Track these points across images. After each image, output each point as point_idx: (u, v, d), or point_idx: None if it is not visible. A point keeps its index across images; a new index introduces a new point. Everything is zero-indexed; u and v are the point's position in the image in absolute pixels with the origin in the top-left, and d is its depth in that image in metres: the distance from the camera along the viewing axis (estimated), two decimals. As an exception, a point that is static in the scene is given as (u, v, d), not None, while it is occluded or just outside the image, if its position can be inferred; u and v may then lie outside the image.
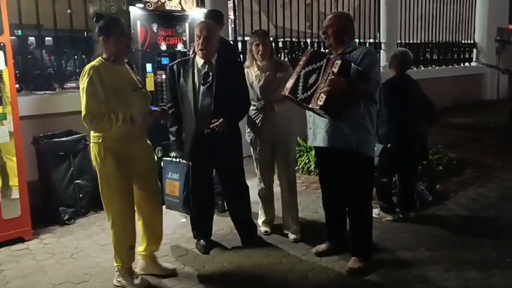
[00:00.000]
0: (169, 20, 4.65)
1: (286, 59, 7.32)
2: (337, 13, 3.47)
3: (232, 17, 7.09)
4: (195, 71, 3.43)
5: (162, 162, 3.57)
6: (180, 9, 4.64)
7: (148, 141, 3.18)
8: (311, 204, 4.62)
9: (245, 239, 3.74)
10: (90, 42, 4.93)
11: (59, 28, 4.94)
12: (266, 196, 3.97)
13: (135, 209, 3.15)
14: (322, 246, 3.53)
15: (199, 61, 3.43)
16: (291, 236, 3.81)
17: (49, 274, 3.31)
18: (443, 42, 11.11)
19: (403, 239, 3.80)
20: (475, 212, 4.41)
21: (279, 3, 7.69)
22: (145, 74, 4.42)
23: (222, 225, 4.03)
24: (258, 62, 3.71)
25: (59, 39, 4.90)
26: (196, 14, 4.72)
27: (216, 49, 3.45)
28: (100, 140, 2.91)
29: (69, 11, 4.99)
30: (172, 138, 3.57)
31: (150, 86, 4.35)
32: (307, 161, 5.67)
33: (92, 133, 2.96)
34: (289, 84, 3.08)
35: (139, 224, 3.20)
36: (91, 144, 2.99)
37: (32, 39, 4.75)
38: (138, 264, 3.27)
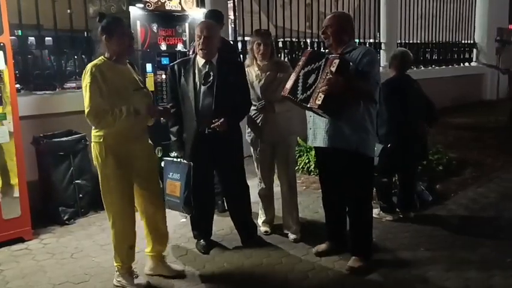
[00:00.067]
0: (169, 20, 4.65)
1: (286, 59, 7.32)
2: (336, 13, 3.47)
3: (232, 17, 7.09)
4: (196, 71, 3.43)
5: (162, 162, 3.57)
6: (180, 9, 4.65)
7: (150, 141, 3.18)
8: (311, 204, 4.62)
9: (245, 239, 3.74)
10: (90, 42, 4.94)
11: (59, 28, 4.93)
12: (266, 196, 3.98)
13: (138, 209, 3.15)
14: (322, 246, 3.54)
15: (200, 61, 3.44)
16: (291, 236, 3.81)
17: (49, 274, 3.31)
18: (443, 42, 11.11)
19: (403, 239, 3.80)
20: (475, 212, 4.41)
21: (279, 3, 7.69)
22: (145, 74, 4.42)
23: (222, 225, 4.04)
24: (259, 62, 3.72)
25: (59, 39, 4.90)
26: (196, 14, 4.73)
27: (217, 49, 3.45)
28: (101, 140, 2.91)
29: (69, 11, 4.98)
30: (173, 138, 3.57)
31: (150, 86, 4.32)
32: (307, 161, 5.67)
33: (93, 133, 2.96)
34: (289, 84, 3.08)
35: (143, 225, 3.20)
36: (92, 144, 2.99)
37: (32, 39, 4.74)
38: (147, 265, 3.28)
